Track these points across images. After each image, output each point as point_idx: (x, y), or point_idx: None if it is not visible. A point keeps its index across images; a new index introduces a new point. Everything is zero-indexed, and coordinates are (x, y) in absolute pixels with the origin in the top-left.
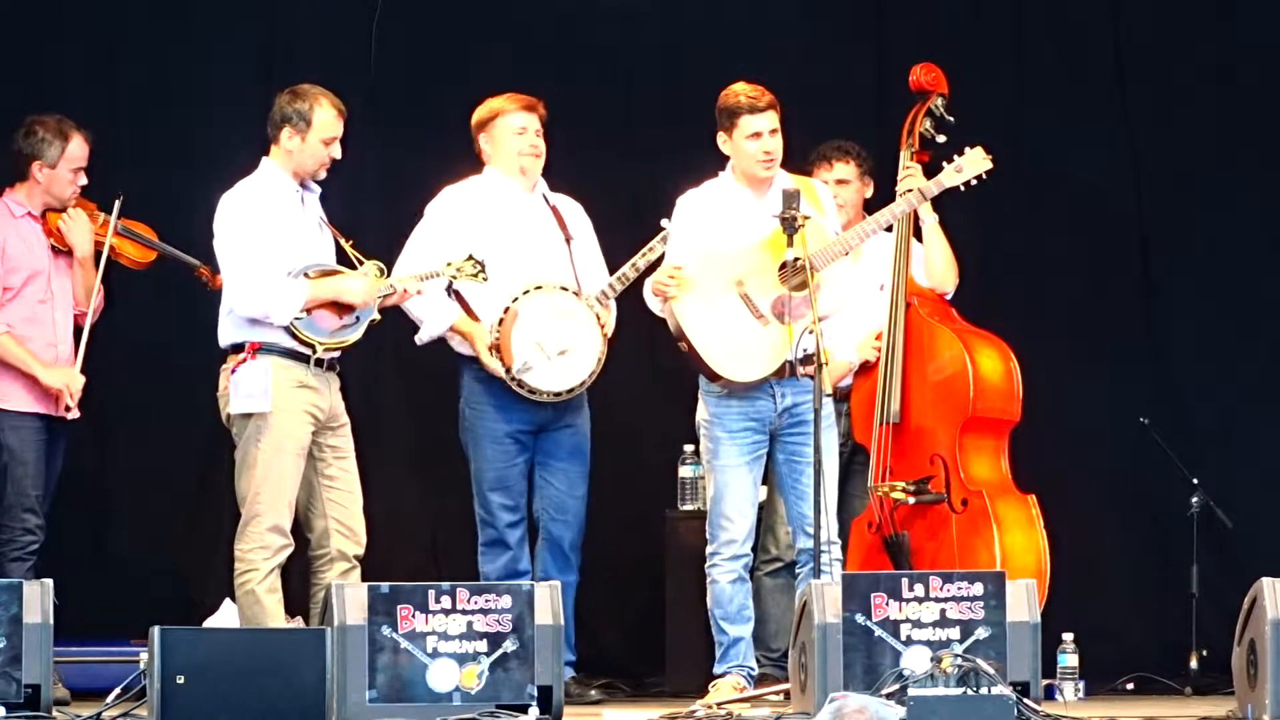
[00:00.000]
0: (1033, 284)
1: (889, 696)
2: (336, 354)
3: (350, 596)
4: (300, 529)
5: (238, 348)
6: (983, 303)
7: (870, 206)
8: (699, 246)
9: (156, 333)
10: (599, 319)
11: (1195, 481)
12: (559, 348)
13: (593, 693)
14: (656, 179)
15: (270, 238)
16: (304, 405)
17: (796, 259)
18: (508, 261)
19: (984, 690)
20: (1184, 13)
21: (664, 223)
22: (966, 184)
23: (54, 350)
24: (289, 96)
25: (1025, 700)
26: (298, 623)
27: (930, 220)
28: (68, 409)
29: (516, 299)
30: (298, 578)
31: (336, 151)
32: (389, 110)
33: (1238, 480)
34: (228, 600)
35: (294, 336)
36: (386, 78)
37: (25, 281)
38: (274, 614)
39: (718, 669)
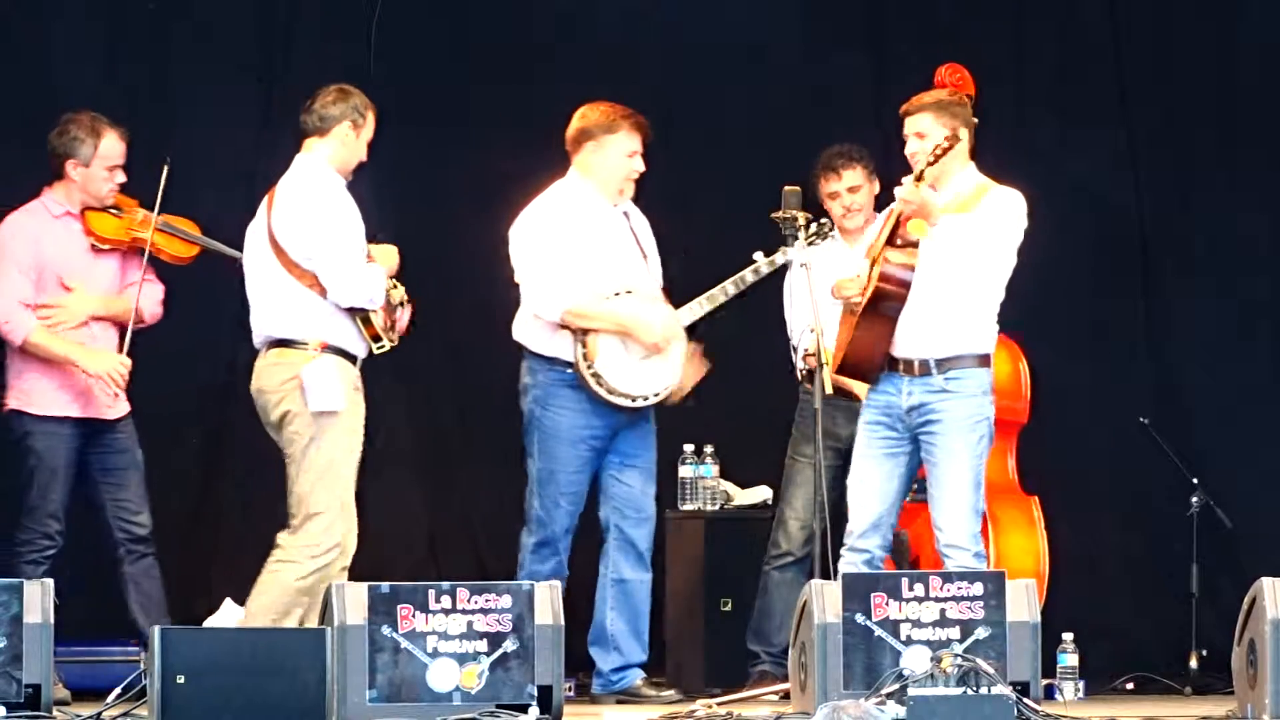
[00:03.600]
0: (1033, 284)
1: (889, 696)
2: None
3: (350, 596)
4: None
5: (282, 343)
6: None
7: (875, 205)
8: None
9: (155, 333)
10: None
11: (1195, 481)
12: (643, 352)
13: (669, 693)
14: (655, 179)
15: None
16: (360, 407)
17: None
18: (594, 276)
19: (984, 690)
20: (1184, 13)
21: (756, 256)
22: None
23: None
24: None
25: (1025, 700)
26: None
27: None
28: (116, 396)
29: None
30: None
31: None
32: (389, 110)
33: (1238, 480)
34: (228, 600)
35: (363, 332)
36: (386, 76)
37: (61, 281)
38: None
39: None
